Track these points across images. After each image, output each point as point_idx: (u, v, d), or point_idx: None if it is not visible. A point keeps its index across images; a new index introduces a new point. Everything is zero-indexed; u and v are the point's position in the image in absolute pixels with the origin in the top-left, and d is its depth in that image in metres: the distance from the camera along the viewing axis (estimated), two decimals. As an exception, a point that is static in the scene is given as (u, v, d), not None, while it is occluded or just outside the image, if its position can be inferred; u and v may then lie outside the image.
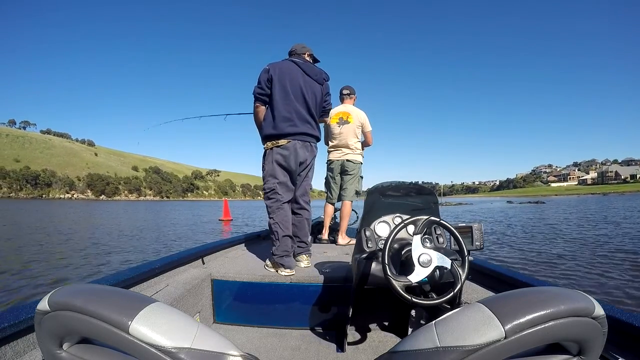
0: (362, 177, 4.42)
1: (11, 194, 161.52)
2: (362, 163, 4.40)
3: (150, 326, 0.73)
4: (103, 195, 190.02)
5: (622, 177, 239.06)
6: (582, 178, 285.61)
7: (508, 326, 0.69)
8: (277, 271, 2.70)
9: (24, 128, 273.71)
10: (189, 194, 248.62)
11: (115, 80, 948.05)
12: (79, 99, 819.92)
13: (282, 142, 2.82)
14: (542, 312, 0.70)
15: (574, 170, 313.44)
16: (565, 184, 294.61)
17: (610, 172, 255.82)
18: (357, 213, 4.78)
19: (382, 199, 2.30)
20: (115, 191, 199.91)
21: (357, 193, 4.33)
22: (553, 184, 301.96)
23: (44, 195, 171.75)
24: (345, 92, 4.40)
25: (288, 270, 2.68)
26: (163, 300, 1.32)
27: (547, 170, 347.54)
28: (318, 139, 3.05)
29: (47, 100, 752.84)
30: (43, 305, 0.78)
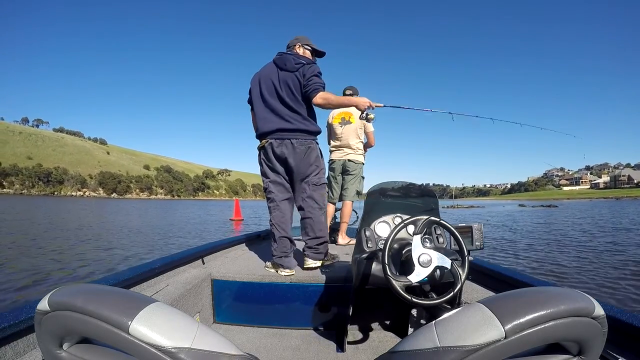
0: (363, 178, 4.41)
1: (23, 191, 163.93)
2: (363, 163, 4.39)
3: (150, 326, 0.73)
4: (114, 194, 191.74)
5: (635, 181, 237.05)
6: (595, 182, 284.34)
7: (508, 326, 0.69)
8: (277, 271, 2.69)
9: (37, 126, 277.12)
10: (199, 193, 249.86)
11: (128, 79, 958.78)
12: (92, 98, 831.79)
13: (263, 142, 2.83)
14: (542, 312, 0.70)
15: (586, 174, 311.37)
16: (577, 187, 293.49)
17: (622, 176, 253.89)
18: (357, 213, 4.75)
19: (383, 199, 2.29)
20: (127, 189, 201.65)
21: (358, 193, 4.30)
22: (565, 188, 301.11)
23: (55, 193, 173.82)
24: (348, 92, 4.34)
25: (287, 270, 2.67)
26: (163, 300, 1.30)
27: (559, 174, 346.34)
28: (306, 132, 2.83)
29: (60, 99, 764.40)
30: (43, 305, 0.78)
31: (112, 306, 0.75)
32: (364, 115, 2.98)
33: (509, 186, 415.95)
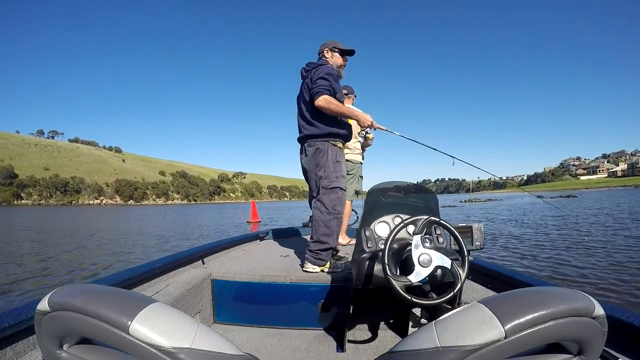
0: (362, 177, 4.46)
1: (41, 202, 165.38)
2: (361, 163, 4.43)
3: (150, 326, 0.73)
4: (131, 200, 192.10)
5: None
6: (612, 170, 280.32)
7: (508, 326, 0.69)
8: None
9: (52, 137, 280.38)
10: (215, 197, 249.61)
11: (140, 87, 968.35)
12: (105, 107, 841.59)
13: None
14: (542, 312, 0.70)
15: (603, 163, 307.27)
16: (594, 176, 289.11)
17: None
18: (357, 213, 4.73)
19: (382, 199, 2.32)
20: (143, 196, 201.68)
21: (357, 193, 4.37)
22: (582, 177, 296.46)
23: (73, 202, 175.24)
24: (343, 91, 4.40)
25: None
26: (163, 301, 1.35)
27: (576, 163, 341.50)
28: (314, 136, 2.85)
29: (74, 110, 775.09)
30: (43, 305, 0.77)
31: (112, 306, 0.74)
32: (363, 133, 2.96)
33: (525, 178, 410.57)
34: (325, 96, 2.67)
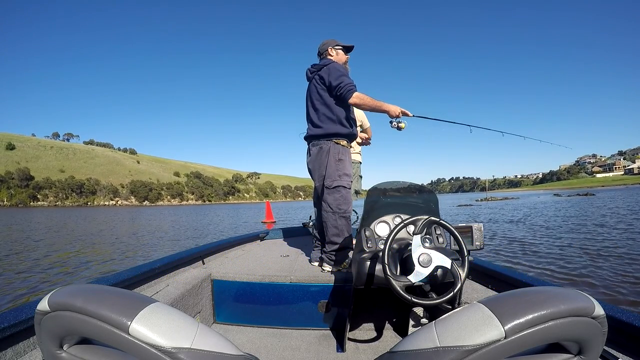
0: (361, 177, 4.45)
1: (57, 203, 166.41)
2: (360, 162, 4.42)
3: (150, 326, 0.73)
4: (146, 201, 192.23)
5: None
6: (629, 167, 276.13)
7: (508, 326, 0.69)
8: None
9: (68, 140, 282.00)
10: (230, 197, 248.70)
11: (154, 88, 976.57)
12: (120, 109, 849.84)
13: None
14: (542, 312, 0.70)
15: (620, 160, 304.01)
16: (611, 174, 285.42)
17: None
18: (357, 213, 4.68)
19: (382, 199, 2.32)
20: (158, 197, 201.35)
21: (357, 193, 4.33)
22: (598, 175, 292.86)
23: (89, 203, 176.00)
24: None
25: (314, 262, 2.96)
26: (163, 301, 1.39)
27: (592, 161, 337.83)
28: (317, 136, 2.87)
29: (90, 113, 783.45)
30: (43, 305, 0.78)
31: (112, 306, 0.74)
32: (395, 123, 2.86)
33: (540, 176, 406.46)
34: (358, 93, 2.71)
